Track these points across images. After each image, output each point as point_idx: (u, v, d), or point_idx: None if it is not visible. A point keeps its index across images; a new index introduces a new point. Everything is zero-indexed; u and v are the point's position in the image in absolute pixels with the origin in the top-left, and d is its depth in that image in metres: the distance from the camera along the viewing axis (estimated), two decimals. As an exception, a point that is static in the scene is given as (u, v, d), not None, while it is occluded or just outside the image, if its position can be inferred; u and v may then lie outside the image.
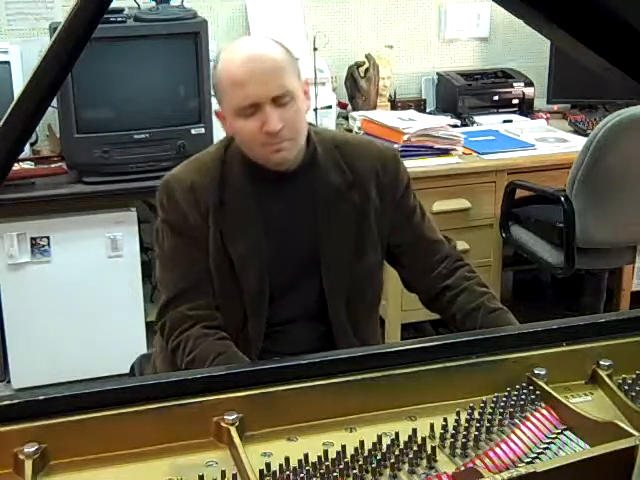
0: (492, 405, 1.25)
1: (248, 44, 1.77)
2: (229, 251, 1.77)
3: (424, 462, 1.14)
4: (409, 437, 1.17)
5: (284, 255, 1.80)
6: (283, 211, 1.80)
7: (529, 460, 1.14)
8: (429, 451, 1.15)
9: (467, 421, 1.22)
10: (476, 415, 1.23)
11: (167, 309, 1.77)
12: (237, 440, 1.16)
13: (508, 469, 1.10)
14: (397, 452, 1.14)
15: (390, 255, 1.91)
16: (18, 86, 3.05)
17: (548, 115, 3.84)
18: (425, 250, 1.88)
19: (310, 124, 1.84)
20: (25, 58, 3.12)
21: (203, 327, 1.72)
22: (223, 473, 1.10)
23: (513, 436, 1.18)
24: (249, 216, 1.78)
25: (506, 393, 1.28)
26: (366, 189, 1.82)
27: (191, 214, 1.75)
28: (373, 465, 1.12)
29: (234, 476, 1.09)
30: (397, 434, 1.18)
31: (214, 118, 2.34)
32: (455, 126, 3.45)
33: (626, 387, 1.30)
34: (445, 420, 1.21)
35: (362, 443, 1.16)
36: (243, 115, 1.70)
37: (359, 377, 1.27)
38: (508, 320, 1.75)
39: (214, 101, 1.88)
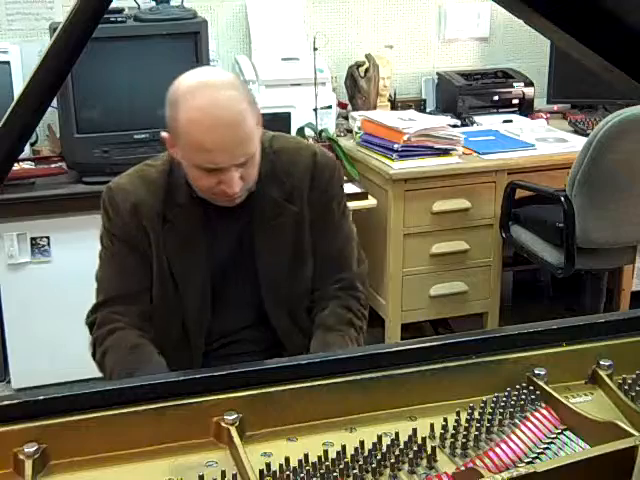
0: (492, 405, 1.25)
1: (210, 94, 1.61)
2: (172, 268, 1.77)
3: (424, 462, 1.15)
4: (409, 437, 1.17)
5: (226, 272, 1.80)
6: (227, 227, 1.78)
7: (529, 460, 1.14)
8: (429, 451, 1.15)
9: (467, 421, 1.22)
10: (476, 415, 1.23)
11: (100, 309, 1.79)
12: (237, 440, 1.16)
13: (508, 469, 1.10)
14: (397, 452, 1.14)
15: None
16: (18, 86, 3.05)
17: (548, 115, 3.83)
18: (328, 267, 1.83)
19: None
20: (25, 58, 3.12)
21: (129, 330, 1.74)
22: (223, 473, 1.10)
23: (513, 436, 1.18)
24: (193, 235, 1.77)
25: (506, 393, 1.28)
26: (302, 198, 1.79)
27: (134, 228, 1.76)
28: (373, 465, 1.12)
29: (234, 476, 1.08)
30: (397, 434, 1.18)
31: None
32: (455, 126, 3.45)
33: (626, 387, 1.30)
34: (445, 420, 1.21)
35: (362, 443, 1.16)
36: (202, 170, 1.65)
37: (359, 377, 1.26)
38: (327, 340, 1.72)
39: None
